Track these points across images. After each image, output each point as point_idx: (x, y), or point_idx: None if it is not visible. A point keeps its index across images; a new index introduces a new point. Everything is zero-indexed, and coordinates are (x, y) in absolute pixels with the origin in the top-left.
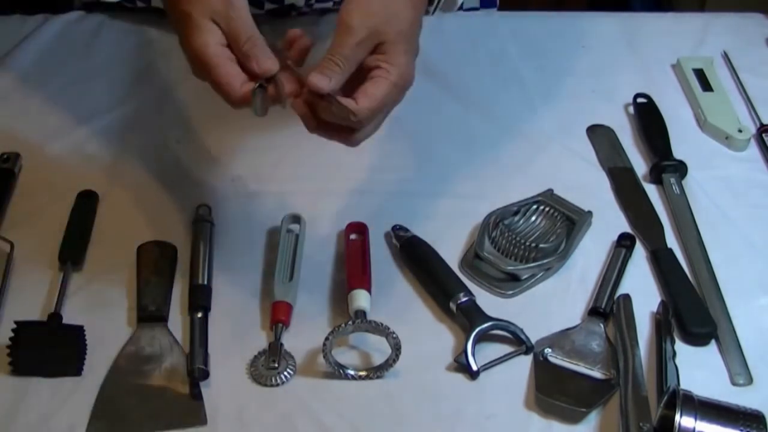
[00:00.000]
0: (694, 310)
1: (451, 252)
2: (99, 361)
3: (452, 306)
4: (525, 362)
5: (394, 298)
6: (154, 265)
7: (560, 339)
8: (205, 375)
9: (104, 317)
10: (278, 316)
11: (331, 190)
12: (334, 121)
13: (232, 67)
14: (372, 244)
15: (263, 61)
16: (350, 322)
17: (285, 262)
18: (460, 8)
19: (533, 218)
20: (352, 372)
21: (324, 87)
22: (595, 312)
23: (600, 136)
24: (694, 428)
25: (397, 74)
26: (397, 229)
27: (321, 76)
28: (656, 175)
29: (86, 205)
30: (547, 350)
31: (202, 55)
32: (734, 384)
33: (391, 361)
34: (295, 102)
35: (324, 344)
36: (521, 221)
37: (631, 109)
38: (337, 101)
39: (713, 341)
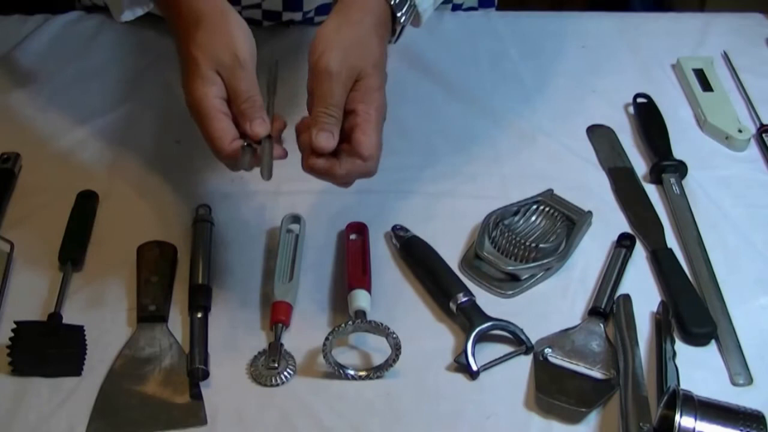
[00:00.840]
0: (694, 310)
1: (451, 252)
2: (99, 361)
3: (452, 306)
4: (525, 362)
5: (394, 298)
6: (154, 265)
7: (560, 339)
8: (205, 375)
9: (104, 317)
10: (278, 316)
11: (331, 190)
12: (351, 178)
13: (226, 122)
14: (372, 244)
15: (256, 124)
16: (350, 322)
17: (285, 262)
18: (460, 8)
19: (533, 218)
20: (352, 372)
21: (331, 145)
22: (595, 312)
23: (600, 136)
24: (694, 428)
25: (375, 110)
26: (397, 229)
27: (324, 134)
28: (656, 175)
29: (86, 205)
30: (547, 350)
31: (199, 104)
32: (734, 384)
33: (391, 361)
34: (309, 170)
35: (324, 344)
36: (521, 221)
37: (631, 109)
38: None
39: (713, 341)
